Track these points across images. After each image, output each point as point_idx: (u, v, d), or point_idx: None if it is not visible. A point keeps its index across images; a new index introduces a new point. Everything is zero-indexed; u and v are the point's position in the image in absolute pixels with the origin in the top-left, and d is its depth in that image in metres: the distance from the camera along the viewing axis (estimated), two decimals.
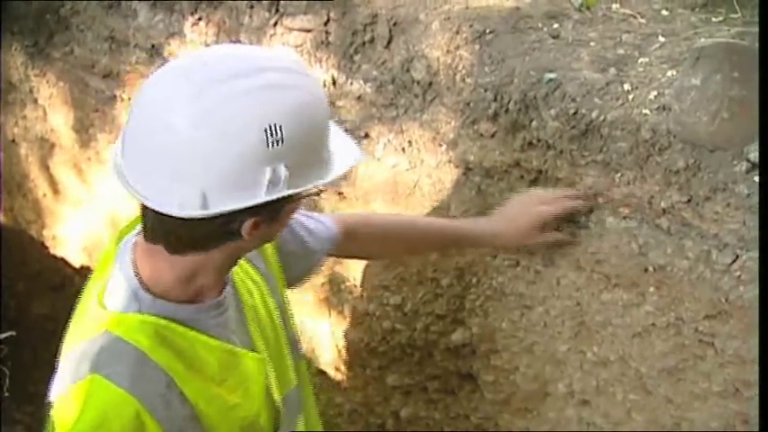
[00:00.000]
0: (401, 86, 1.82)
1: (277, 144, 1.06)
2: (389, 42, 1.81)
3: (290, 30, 1.93)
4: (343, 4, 1.85)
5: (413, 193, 1.87)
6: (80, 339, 1.18)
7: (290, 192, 1.10)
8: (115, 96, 2.37)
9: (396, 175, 1.88)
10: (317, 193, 1.38)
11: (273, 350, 1.38)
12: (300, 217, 1.50)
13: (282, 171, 1.08)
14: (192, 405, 1.19)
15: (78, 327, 1.22)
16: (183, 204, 1.06)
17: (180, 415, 1.18)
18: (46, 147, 2.64)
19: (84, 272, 2.81)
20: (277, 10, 1.95)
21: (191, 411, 1.19)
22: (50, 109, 2.56)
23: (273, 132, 1.06)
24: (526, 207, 1.64)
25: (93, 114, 2.45)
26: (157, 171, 1.07)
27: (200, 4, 2.07)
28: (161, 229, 1.13)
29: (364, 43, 1.85)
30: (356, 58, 1.87)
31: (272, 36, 1.95)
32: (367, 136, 1.90)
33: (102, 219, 2.64)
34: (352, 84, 1.89)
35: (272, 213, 1.15)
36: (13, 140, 2.72)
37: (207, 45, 2.07)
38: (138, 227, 1.19)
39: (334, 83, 1.90)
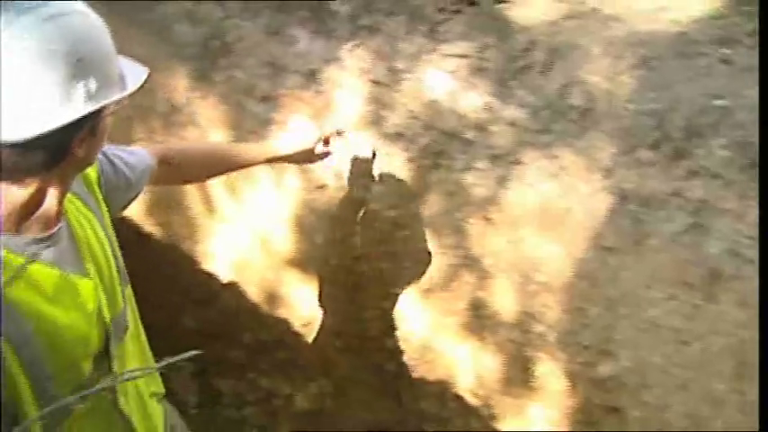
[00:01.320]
0: (556, 112, 1.81)
1: (80, 61, 1.24)
2: (547, 68, 1.81)
3: (447, 56, 1.97)
4: (502, 31, 1.87)
5: (564, 221, 1.85)
6: None
7: (104, 102, 1.28)
8: (270, 119, 2.48)
9: (547, 202, 1.87)
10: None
11: (106, 277, 1.54)
12: (120, 153, 1.68)
13: (93, 84, 1.27)
14: (28, 322, 1.33)
15: None
16: (8, 132, 1.22)
17: (22, 330, 1.32)
18: None
19: (232, 287, 2.94)
20: (434, 36, 1.99)
21: (30, 327, 1.33)
22: (210, 131, 2.70)
23: (78, 54, 1.23)
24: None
25: (248, 136, 2.57)
26: None
27: (359, 31, 2.15)
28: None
29: (521, 69, 1.87)
30: (511, 83, 1.89)
31: (428, 62, 2.00)
32: (519, 162, 1.90)
33: (252, 236, 2.75)
34: (505, 109, 1.90)
35: (92, 129, 1.31)
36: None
37: (363, 70, 2.14)
38: None
39: (488, 108, 1.92)
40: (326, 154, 2.13)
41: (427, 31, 1.99)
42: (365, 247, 2.37)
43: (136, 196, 1.78)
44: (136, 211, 2.95)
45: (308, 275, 2.59)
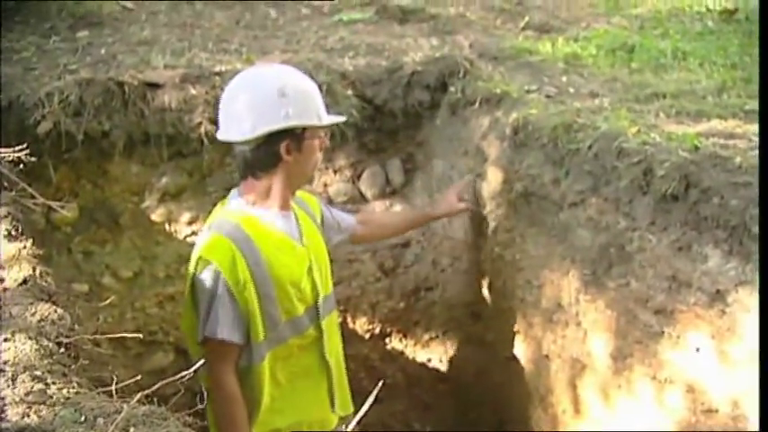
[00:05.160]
0: None
1: (284, 96, 2.13)
2: None
3: None
4: None
5: None
6: (211, 222, 2.26)
7: (296, 123, 2.15)
8: (663, 333, 2.44)
9: None
10: (321, 142, 2.29)
11: (321, 264, 2.38)
12: (336, 211, 2.70)
13: (290, 111, 2.13)
14: (264, 257, 2.16)
15: (210, 220, 2.29)
16: (239, 134, 2.15)
17: (259, 261, 2.15)
18: (577, 367, 2.81)
19: None
20: None
21: (264, 261, 2.16)
22: (592, 334, 2.73)
23: (283, 92, 2.13)
24: (444, 193, 3.17)
25: (634, 345, 2.55)
26: (229, 121, 2.20)
27: None
28: (240, 162, 2.22)
29: None
30: None
31: None
32: None
33: None
34: None
35: (295, 142, 2.18)
36: (547, 356, 2.96)
37: None
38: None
39: None
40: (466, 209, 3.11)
41: None
42: None
43: (342, 244, 2.73)
44: None
45: None
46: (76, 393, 1.33)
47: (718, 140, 2.58)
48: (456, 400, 3.53)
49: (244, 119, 2.13)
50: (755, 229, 2.18)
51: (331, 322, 2.40)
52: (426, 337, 3.61)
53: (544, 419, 2.96)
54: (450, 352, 3.59)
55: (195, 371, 1.39)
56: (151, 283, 3.50)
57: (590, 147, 2.74)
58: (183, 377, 1.26)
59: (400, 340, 3.64)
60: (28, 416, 1.23)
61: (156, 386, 1.25)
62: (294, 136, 2.16)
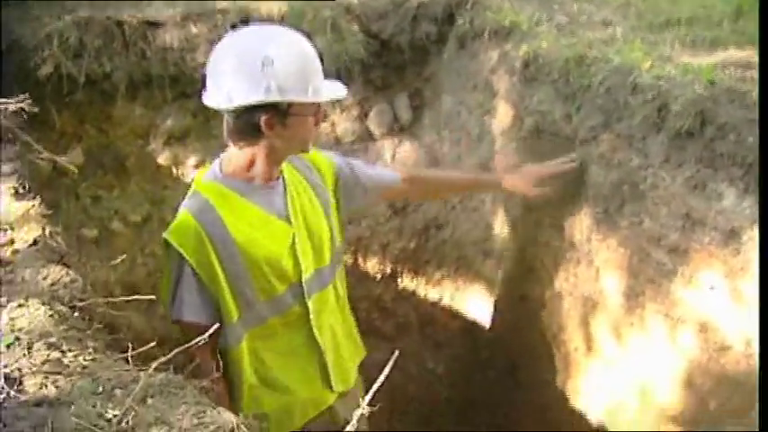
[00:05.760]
0: None
1: (268, 67, 1.88)
2: None
3: None
4: None
5: None
6: (189, 193, 2.10)
7: (278, 99, 1.90)
8: (676, 271, 2.43)
9: None
10: (316, 118, 2.04)
11: (315, 235, 2.19)
12: (365, 167, 2.43)
13: (273, 84, 1.89)
14: (233, 237, 2.02)
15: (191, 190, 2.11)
16: (219, 102, 1.93)
17: (227, 241, 2.02)
18: (589, 305, 2.81)
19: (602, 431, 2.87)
20: None
21: (233, 241, 2.02)
22: (603, 271, 2.73)
23: (267, 62, 1.88)
24: (529, 170, 2.76)
25: (647, 284, 2.54)
26: (212, 85, 1.96)
27: None
28: (225, 129, 2.01)
29: None
30: None
31: None
32: None
33: (628, 382, 2.68)
34: None
35: (279, 116, 1.94)
36: (559, 294, 2.96)
37: None
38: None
39: None
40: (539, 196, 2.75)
41: None
42: None
43: (373, 201, 2.54)
44: None
45: None
46: (93, 360, 1.33)
47: (735, 72, 2.50)
48: (468, 339, 3.56)
49: (223, 86, 1.92)
50: None
51: (323, 298, 2.25)
52: (437, 275, 3.62)
53: (557, 357, 2.99)
54: (462, 290, 3.61)
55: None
56: (160, 228, 3.46)
57: (602, 82, 2.68)
58: (195, 344, 1.26)
59: (411, 280, 3.65)
60: (45, 386, 1.23)
61: (171, 354, 1.25)
62: (277, 110, 1.93)
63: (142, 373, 1.22)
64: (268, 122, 1.95)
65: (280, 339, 2.21)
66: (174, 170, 3.61)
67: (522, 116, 3.05)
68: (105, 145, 3.52)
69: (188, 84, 3.47)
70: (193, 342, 1.42)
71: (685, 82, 2.43)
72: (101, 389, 1.21)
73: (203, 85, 2.00)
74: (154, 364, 1.21)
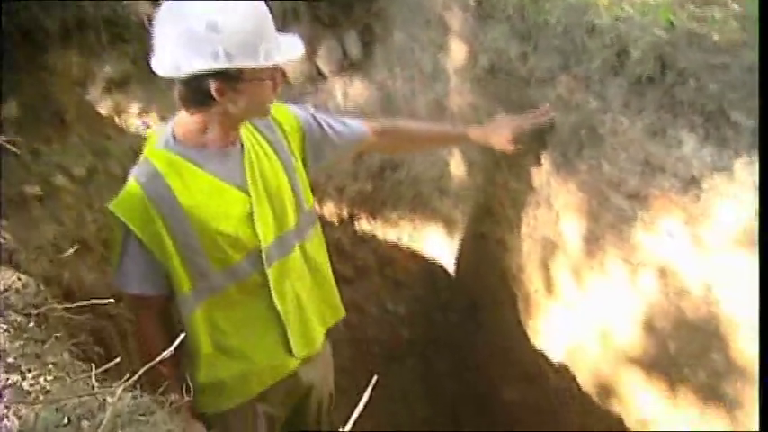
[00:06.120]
0: None
1: (215, 32, 1.76)
2: None
3: None
4: None
5: None
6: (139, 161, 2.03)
7: (226, 65, 1.79)
8: (635, 216, 2.43)
9: None
10: (274, 80, 1.94)
11: (275, 198, 2.11)
12: (331, 121, 2.31)
13: (220, 50, 1.77)
14: (183, 207, 1.95)
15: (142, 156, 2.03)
16: (166, 69, 1.82)
17: (176, 212, 1.95)
18: (549, 247, 2.82)
19: (561, 370, 2.93)
20: None
21: (183, 211, 1.95)
22: (563, 215, 2.72)
23: (214, 26, 1.75)
24: (505, 122, 2.67)
25: (607, 229, 2.55)
26: (158, 50, 1.85)
27: None
28: (176, 93, 1.89)
29: None
30: None
31: None
32: None
33: (588, 325, 2.73)
34: None
35: (231, 82, 1.84)
36: (518, 235, 2.96)
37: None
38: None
39: None
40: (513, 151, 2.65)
41: None
42: None
43: (342, 157, 2.45)
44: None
45: (652, 379, 2.50)
46: (54, 379, 1.28)
47: (695, 9, 2.45)
48: (428, 280, 3.57)
49: (168, 52, 1.82)
50: (734, 116, 2.13)
51: (287, 264, 2.18)
52: (395, 216, 3.59)
53: (518, 298, 3.01)
54: (419, 230, 3.59)
55: None
56: (107, 182, 3.36)
57: (558, 20, 2.59)
58: (161, 359, 1.21)
59: (369, 222, 3.61)
60: (7, 417, 1.18)
61: (139, 373, 1.20)
62: (228, 77, 1.83)
63: (108, 398, 1.17)
64: (219, 89, 1.85)
65: (238, 307, 2.16)
66: (117, 119, 3.45)
67: (477, 53, 2.96)
68: (42, 95, 3.34)
69: (124, 27, 3.28)
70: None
71: (644, 23, 2.37)
72: (66, 420, 1.16)
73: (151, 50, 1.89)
74: (119, 390, 1.16)
